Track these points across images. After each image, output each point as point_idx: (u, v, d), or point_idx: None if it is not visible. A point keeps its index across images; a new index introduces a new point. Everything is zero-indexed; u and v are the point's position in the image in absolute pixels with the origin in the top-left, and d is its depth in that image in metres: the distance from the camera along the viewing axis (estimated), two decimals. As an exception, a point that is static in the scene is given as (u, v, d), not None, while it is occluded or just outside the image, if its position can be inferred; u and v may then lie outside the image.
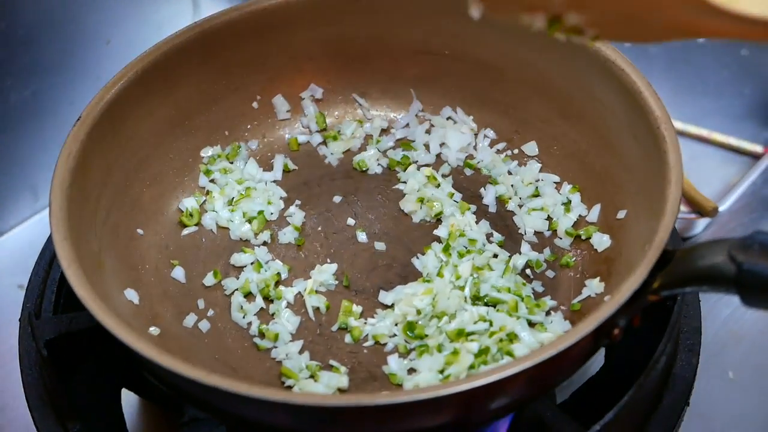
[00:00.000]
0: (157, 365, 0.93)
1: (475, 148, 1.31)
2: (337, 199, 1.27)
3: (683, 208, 1.42)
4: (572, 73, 1.20)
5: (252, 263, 1.20)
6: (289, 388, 1.08)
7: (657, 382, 1.09)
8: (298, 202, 1.27)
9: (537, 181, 1.26)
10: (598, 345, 0.99)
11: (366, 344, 1.13)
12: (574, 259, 1.19)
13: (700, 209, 1.41)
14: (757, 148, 1.51)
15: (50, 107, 1.45)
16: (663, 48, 1.69)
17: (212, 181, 1.27)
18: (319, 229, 1.24)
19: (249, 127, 1.32)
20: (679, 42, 1.65)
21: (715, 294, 1.31)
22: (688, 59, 1.68)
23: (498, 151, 1.30)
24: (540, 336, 1.08)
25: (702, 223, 1.42)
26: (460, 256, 1.17)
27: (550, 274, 1.18)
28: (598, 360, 1.14)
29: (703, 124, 1.56)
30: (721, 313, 1.34)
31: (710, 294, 1.32)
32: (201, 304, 1.17)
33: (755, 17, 0.80)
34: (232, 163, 1.29)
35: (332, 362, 1.11)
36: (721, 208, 1.41)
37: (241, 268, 1.20)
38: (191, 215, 1.24)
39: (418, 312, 1.13)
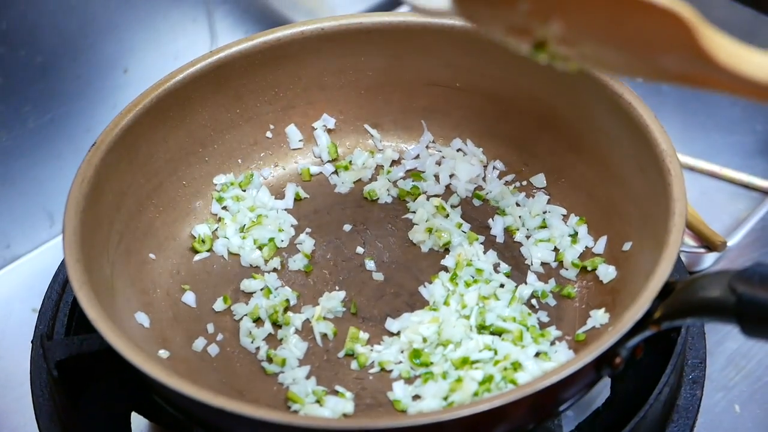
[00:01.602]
0: (164, 386, 0.94)
1: (484, 179, 1.32)
2: (347, 227, 1.29)
3: (692, 242, 1.43)
4: (581, 107, 1.22)
5: (261, 289, 1.22)
6: (295, 413, 1.09)
7: (661, 414, 1.11)
8: (308, 229, 1.29)
9: (544, 212, 1.27)
10: (600, 373, 1.00)
11: (372, 371, 1.14)
12: (576, 290, 1.20)
13: (709, 243, 1.42)
14: (768, 185, 1.53)
15: (67, 134, 1.46)
16: (675, 84, 1.71)
17: (224, 208, 1.29)
18: (329, 256, 1.26)
19: (262, 155, 1.34)
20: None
21: (722, 329, 1.34)
22: (700, 96, 1.69)
23: (506, 183, 1.31)
24: (544, 365, 1.09)
25: (711, 257, 1.42)
26: (467, 285, 1.19)
27: (555, 304, 1.19)
28: (604, 392, 1.15)
29: (714, 159, 1.56)
30: (728, 348, 1.34)
31: (717, 329, 1.34)
32: (210, 328, 1.18)
33: (759, 82, 0.81)
34: (244, 190, 1.31)
35: (338, 388, 1.12)
36: (729, 243, 1.42)
37: (250, 294, 1.22)
38: (203, 241, 1.26)
39: (424, 340, 1.14)
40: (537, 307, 1.19)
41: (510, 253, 1.25)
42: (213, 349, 1.16)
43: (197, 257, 1.25)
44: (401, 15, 1.31)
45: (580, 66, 0.89)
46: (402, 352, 1.14)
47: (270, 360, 1.15)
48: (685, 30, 0.80)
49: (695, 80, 0.85)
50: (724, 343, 1.35)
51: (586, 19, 0.83)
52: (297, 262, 1.25)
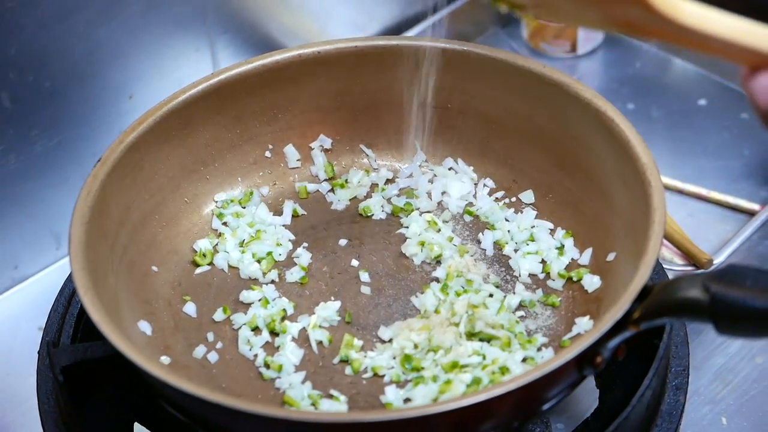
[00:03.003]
0: (166, 385, 0.98)
1: (474, 196, 1.36)
2: (342, 242, 1.33)
3: (679, 260, 1.46)
4: (567, 125, 1.26)
5: (260, 300, 1.26)
6: (291, 414, 1.13)
7: (644, 417, 1.14)
8: (305, 244, 1.33)
9: (532, 227, 1.31)
10: (582, 372, 1.03)
11: (365, 375, 1.17)
12: (560, 299, 1.24)
13: (695, 261, 1.45)
14: (754, 206, 1.56)
15: (74, 157, 1.50)
16: (665, 112, 1.75)
17: (225, 224, 1.33)
18: (325, 269, 1.30)
19: (261, 174, 1.38)
20: (680, 106, 1.71)
21: (710, 344, 1.37)
22: (689, 122, 1.73)
23: (496, 200, 1.35)
24: (530, 369, 1.13)
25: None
26: (457, 295, 1.23)
27: (542, 312, 1.23)
28: (594, 404, 1.18)
29: (702, 183, 1.60)
30: (715, 362, 1.38)
31: (705, 344, 1.37)
32: (210, 337, 1.22)
33: (695, 29, 0.88)
34: (244, 207, 1.35)
35: (333, 392, 1.15)
36: (716, 261, 1.46)
37: (249, 305, 1.26)
38: (204, 255, 1.30)
39: (416, 346, 1.18)
40: (524, 315, 1.23)
41: (499, 265, 1.29)
42: (213, 357, 1.20)
43: (198, 270, 1.29)
44: (395, 39, 1.36)
45: (537, 15, 0.94)
46: (394, 358, 1.18)
47: (267, 366, 1.19)
48: None
49: (641, 30, 0.91)
50: (712, 358, 1.38)
51: None
52: (294, 275, 1.28)
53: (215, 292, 1.27)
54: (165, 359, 1.17)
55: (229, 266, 1.30)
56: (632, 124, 1.19)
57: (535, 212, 1.33)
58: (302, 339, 1.22)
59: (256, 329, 1.23)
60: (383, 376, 1.17)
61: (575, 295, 1.24)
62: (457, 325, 1.19)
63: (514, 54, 1.30)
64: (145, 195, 1.26)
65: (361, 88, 1.37)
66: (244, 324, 1.23)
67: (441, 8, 1.81)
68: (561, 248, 1.27)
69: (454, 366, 1.14)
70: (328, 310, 1.24)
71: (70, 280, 1.28)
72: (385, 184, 1.39)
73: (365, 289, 1.27)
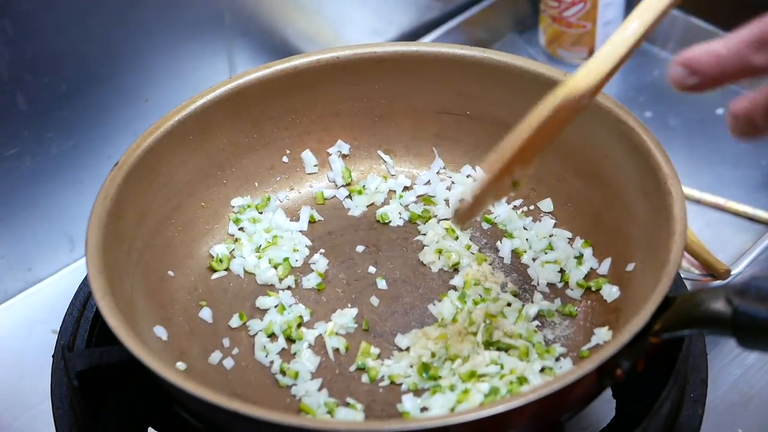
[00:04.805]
0: (181, 391, 0.98)
1: (492, 204, 1.35)
2: (359, 248, 1.32)
3: (697, 270, 1.46)
4: (586, 133, 1.25)
5: (276, 306, 1.25)
6: (307, 423, 1.12)
7: (662, 429, 1.13)
8: (322, 250, 1.32)
9: (551, 236, 1.31)
10: (602, 384, 1.03)
11: (382, 384, 1.17)
12: (578, 309, 1.23)
13: (713, 271, 1.44)
14: (773, 216, 1.56)
15: (89, 160, 1.50)
16: (682, 120, 1.74)
17: (241, 229, 1.33)
18: (341, 276, 1.29)
19: (278, 179, 1.38)
20: (698, 114, 1.70)
21: (727, 355, 1.37)
22: (707, 131, 1.72)
23: (515, 208, 1.35)
24: (549, 380, 1.12)
25: (715, 285, 1.45)
26: (475, 303, 1.22)
27: (561, 322, 1.22)
28: (611, 414, 1.18)
29: (720, 192, 1.59)
30: (731, 374, 1.37)
31: (722, 355, 1.37)
32: (226, 342, 1.22)
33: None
34: (261, 213, 1.35)
35: (349, 400, 1.15)
36: (733, 271, 1.45)
37: (265, 311, 1.25)
38: (221, 261, 1.29)
39: (433, 354, 1.17)
40: (543, 325, 1.22)
41: (517, 273, 1.28)
42: (228, 363, 1.19)
43: (215, 276, 1.29)
44: (413, 44, 1.35)
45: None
46: (411, 366, 1.17)
47: (283, 373, 1.18)
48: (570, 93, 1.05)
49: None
50: (728, 370, 1.37)
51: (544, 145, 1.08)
52: (310, 281, 1.28)
53: (231, 298, 1.27)
54: (180, 365, 1.16)
55: (246, 272, 1.30)
56: (651, 131, 1.19)
57: (553, 221, 1.32)
58: (319, 346, 1.22)
59: (272, 336, 1.22)
60: (400, 384, 1.16)
61: (594, 305, 1.23)
62: (474, 333, 1.18)
63: (533, 61, 1.29)
64: (161, 199, 1.25)
65: (379, 94, 1.37)
66: (261, 330, 1.22)
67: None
68: (580, 257, 1.27)
69: (472, 375, 1.13)
70: (345, 317, 1.23)
71: (85, 283, 1.28)
72: (402, 190, 1.39)
73: (382, 297, 1.26)
